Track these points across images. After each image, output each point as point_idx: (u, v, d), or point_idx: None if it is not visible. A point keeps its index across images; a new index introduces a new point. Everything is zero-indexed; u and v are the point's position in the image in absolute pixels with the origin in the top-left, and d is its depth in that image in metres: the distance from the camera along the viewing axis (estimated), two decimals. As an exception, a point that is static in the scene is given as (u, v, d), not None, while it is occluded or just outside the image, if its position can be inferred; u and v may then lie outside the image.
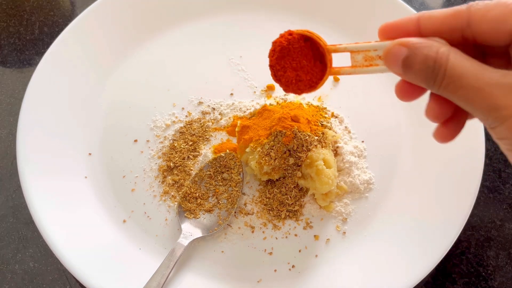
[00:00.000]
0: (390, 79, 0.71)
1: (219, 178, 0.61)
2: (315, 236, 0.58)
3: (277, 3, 0.77)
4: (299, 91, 0.44)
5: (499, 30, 0.32)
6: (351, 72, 0.39)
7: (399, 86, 0.39)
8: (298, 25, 0.76)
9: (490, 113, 0.31)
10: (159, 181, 0.63)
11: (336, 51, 0.40)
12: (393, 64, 0.36)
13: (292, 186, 0.59)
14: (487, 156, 0.64)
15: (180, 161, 0.63)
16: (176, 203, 0.61)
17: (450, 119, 0.39)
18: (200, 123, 0.67)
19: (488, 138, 0.59)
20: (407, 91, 0.39)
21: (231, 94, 0.70)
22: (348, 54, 0.40)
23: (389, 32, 0.37)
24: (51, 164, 0.61)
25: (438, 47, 0.33)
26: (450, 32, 0.34)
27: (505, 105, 0.30)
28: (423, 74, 0.33)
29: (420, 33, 0.35)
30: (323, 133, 0.60)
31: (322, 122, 0.62)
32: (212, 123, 0.67)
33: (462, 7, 0.34)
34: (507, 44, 0.33)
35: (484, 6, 0.32)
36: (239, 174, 0.61)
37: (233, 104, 0.68)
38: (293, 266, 0.56)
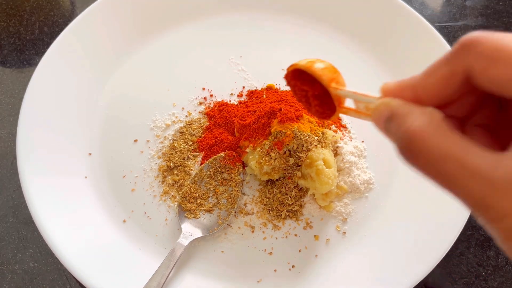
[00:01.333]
0: (390, 79, 0.71)
1: (219, 178, 0.61)
2: (315, 236, 0.58)
3: (277, 3, 0.77)
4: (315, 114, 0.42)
5: (507, 91, 0.25)
6: (356, 116, 0.37)
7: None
8: (298, 25, 0.77)
9: (479, 210, 0.25)
10: (159, 181, 0.63)
11: (337, 95, 0.38)
12: (377, 123, 0.32)
13: (292, 186, 0.59)
14: (487, 156, 0.64)
15: (180, 161, 0.63)
16: (176, 203, 0.61)
17: None
18: (200, 123, 0.67)
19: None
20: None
21: (231, 94, 0.70)
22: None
23: (389, 93, 0.32)
24: (51, 164, 0.61)
25: (417, 118, 0.27)
26: (451, 95, 0.28)
27: (493, 206, 0.23)
28: (398, 146, 0.28)
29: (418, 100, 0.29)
30: (323, 133, 0.60)
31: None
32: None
33: (457, 67, 0.27)
34: None
35: (485, 64, 0.25)
36: (239, 174, 0.61)
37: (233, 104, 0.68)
38: (293, 266, 0.56)
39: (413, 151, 0.26)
